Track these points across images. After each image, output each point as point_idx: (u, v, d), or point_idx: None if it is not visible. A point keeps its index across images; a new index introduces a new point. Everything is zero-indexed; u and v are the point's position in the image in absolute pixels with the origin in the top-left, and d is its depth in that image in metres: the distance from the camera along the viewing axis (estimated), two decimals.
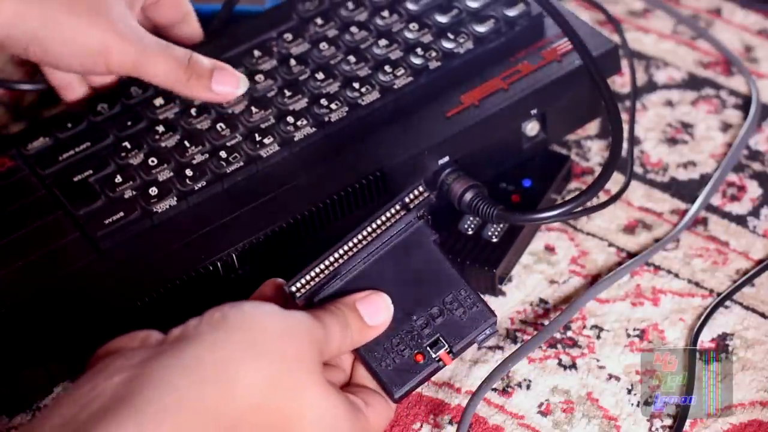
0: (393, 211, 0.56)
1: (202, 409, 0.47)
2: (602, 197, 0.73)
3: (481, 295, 0.70)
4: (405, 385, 0.56)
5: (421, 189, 0.55)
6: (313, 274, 0.55)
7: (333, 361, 0.57)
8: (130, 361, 0.48)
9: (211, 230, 0.64)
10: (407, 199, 0.55)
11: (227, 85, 0.66)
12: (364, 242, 0.56)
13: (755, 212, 0.76)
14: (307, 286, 0.55)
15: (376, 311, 0.55)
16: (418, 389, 0.66)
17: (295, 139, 0.68)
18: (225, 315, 0.50)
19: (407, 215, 0.56)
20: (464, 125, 0.68)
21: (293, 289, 0.54)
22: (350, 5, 0.75)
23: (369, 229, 0.55)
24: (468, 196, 0.67)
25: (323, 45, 0.73)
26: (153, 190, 0.65)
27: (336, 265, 0.55)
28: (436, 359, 0.56)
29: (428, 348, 0.56)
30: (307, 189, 0.65)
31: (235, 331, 0.49)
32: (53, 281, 0.62)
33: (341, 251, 0.55)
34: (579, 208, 0.68)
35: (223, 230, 0.64)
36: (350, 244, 0.55)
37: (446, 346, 0.56)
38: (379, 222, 0.56)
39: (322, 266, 0.55)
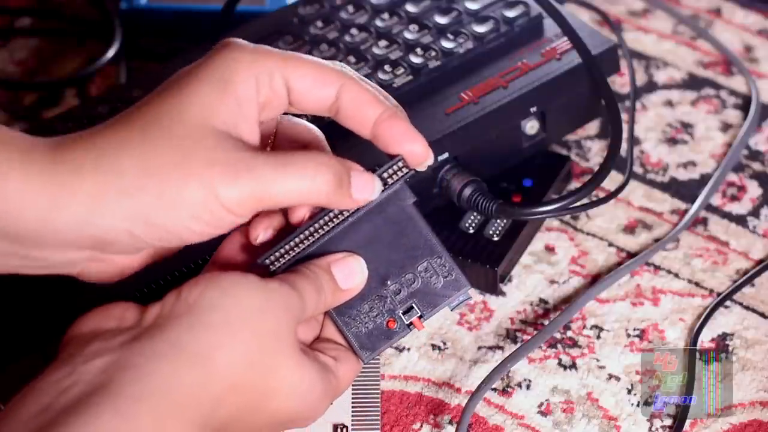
0: None
1: (182, 395, 0.47)
2: (602, 196, 0.73)
3: (482, 293, 0.71)
4: (376, 350, 0.55)
5: (400, 164, 0.54)
6: (287, 247, 0.54)
7: None
8: (107, 345, 0.47)
9: None
10: (386, 175, 0.54)
11: (365, 191, 0.53)
12: (341, 217, 0.55)
13: (755, 212, 0.76)
14: (282, 260, 0.54)
15: (350, 274, 0.54)
16: (416, 389, 0.66)
17: None
18: (203, 294, 0.49)
19: (390, 187, 0.54)
20: (463, 122, 0.68)
21: (267, 262, 0.54)
22: (350, 8, 0.75)
23: None
24: (467, 191, 0.68)
25: (323, 46, 0.73)
26: None
27: (311, 239, 0.54)
28: (408, 325, 0.56)
29: (401, 314, 0.56)
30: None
31: (213, 313, 0.49)
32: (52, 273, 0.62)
33: (317, 225, 0.54)
34: (577, 203, 0.68)
35: None
36: (326, 218, 0.54)
37: (419, 312, 0.56)
38: None
39: (297, 240, 0.54)
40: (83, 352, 0.47)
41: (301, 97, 0.53)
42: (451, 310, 0.56)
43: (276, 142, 0.56)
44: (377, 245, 0.55)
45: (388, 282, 0.56)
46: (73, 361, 0.47)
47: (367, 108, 0.53)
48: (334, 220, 0.54)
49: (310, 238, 0.54)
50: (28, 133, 0.71)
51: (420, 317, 0.55)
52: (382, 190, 0.54)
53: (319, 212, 0.54)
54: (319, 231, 0.54)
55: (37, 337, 0.61)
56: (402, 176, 0.54)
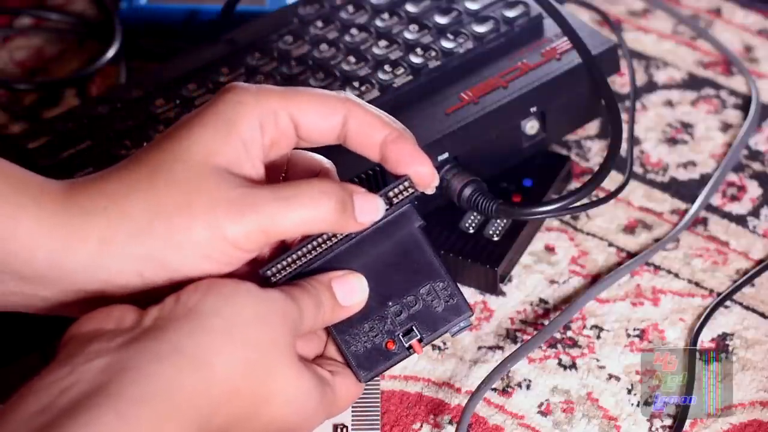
0: None
1: (181, 398, 0.47)
2: (602, 196, 0.73)
3: (482, 293, 0.71)
4: (373, 370, 0.56)
5: (406, 184, 0.54)
6: (290, 260, 0.54)
7: None
8: (107, 345, 0.47)
9: None
10: (391, 194, 0.54)
11: (369, 213, 0.54)
12: (345, 233, 0.55)
13: (755, 212, 0.76)
14: (283, 272, 0.54)
15: (350, 291, 0.54)
16: (416, 389, 0.66)
17: None
18: (203, 299, 0.49)
19: (395, 208, 0.55)
20: (463, 122, 0.68)
21: (269, 273, 0.54)
22: (350, 8, 0.75)
23: None
24: (467, 191, 0.68)
25: (323, 46, 0.73)
26: None
27: (314, 253, 0.54)
28: (408, 348, 0.56)
29: (401, 336, 0.56)
30: None
31: (212, 318, 0.49)
32: None
33: (320, 240, 0.54)
34: (577, 203, 0.68)
35: None
36: (329, 233, 0.54)
37: (419, 335, 0.56)
38: None
39: (299, 253, 0.54)
40: (82, 352, 0.47)
41: (309, 131, 0.54)
42: (452, 336, 0.57)
43: (288, 176, 0.57)
44: (381, 266, 0.55)
45: (390, 303, 0.56)
46: (73, 361, 0.47)
47: (374, 131, 0.54)
48: (338, 235, 0.54)
49: (312, 252, 0.54)
50: (28, 133, 0.71)
51: (420, 340, 0.56)
52: (387, 209, 0.54)
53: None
54: (322, 246, 0.54)
55: (37, 337, 0.61)
56: (407, 196, 0.54)
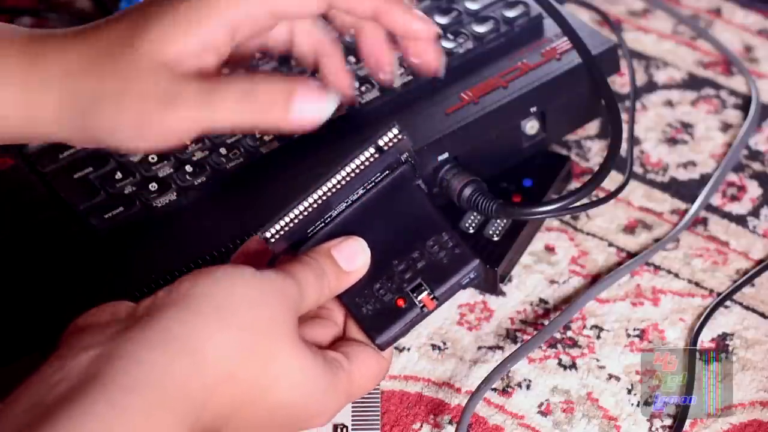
0: (367, 154, 0.54)
1: (173, 384, 0.46)
2: (602, 196, 0.73)
3: (482, 293, 0.71)
4: (386, 331, 0.55)
5: (395, 131, 0.54)
6: (287, 219, 0.54)
7: (322, 314, 0.56)
8: (98, 338, 0.47)
9: (211, 224, 0.64)
10: (381, 142, 0.54)
11: (311, 110, 0.54)
12: (338, 186, 0.54)
13: (755, 212, 0.76)
14: (282, 232, 0.53)
15: (352, 255, 0.54)
16: (416, 389, 0.66)
17: (295, 135, 0.68)
18: (194, 284, 0.49)
19: (387, 156, 0.54)
20: (463, 122, 0.68)
21: (267, 235, 0.53)
22: None
23: (343, 173, 0.54)
24: (467, 191, 0.68)
25: None
26: (153, 186, 0.65)
27: (310, 210, 0.54)
28: (419, 304, 0.55)
29: (410, 292, 0.55)
30: (307, 183, 0.65)
31: (204, 302, 0.48)
32: (54, 273, 0.63)
33: (315, 196, 0.54)
34: (577, 203, 0.67)
35: (222, 223, 0.64)
36: (324, 188, 0.54)
37: (428, 289, 0.55)
38: (353, 166, 0.54)
39: (296, 211, 0.54)
40: (74, 347, 0.47)
41: (289, 17, 0.57)
42: (463, 288, 0.56)
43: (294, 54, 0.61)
44: (385, 229, 0.55)
45: (396, 262, 0.55)
46: (65, 355, 0.47)
47: (356, 6, 0.58)
48: (331, 191, 0.54)
49: (309, 209, 0.54)
50: None
51: (433, 298, 0.55)
52: (378, 156, 0.54)
53: (317, 183, 0.54)
54: (318, 202, 0.54)
55: (37, 337, 0.61)
56: (396, 143, 0.54)
